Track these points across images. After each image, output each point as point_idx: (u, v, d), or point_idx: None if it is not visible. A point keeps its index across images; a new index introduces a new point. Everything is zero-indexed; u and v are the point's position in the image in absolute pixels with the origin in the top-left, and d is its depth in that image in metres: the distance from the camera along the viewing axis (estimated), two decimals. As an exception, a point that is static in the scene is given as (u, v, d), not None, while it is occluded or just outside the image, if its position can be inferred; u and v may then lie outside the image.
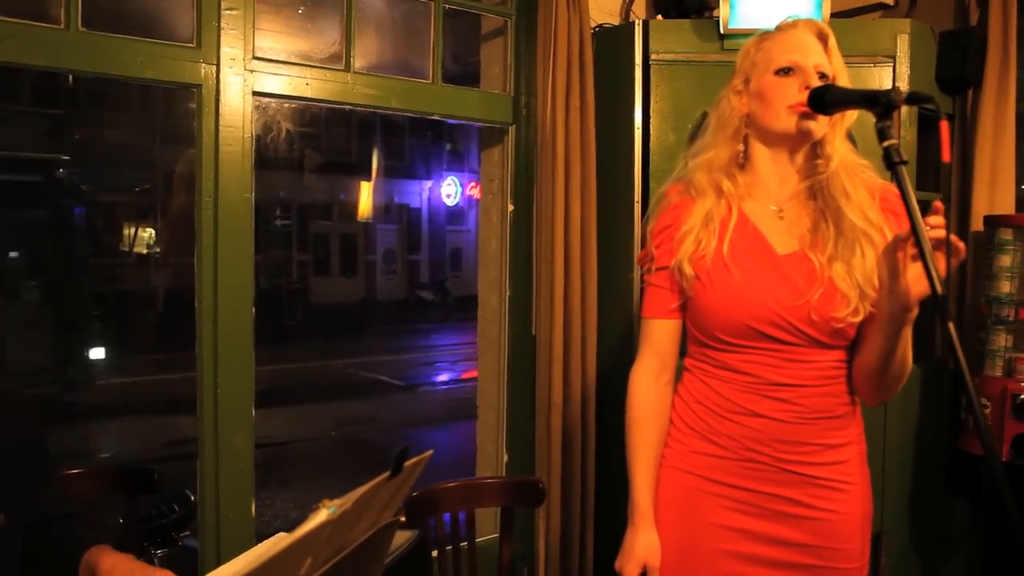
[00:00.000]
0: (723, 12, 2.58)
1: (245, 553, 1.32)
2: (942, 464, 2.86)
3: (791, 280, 1.43)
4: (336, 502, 0.84)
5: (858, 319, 1.39)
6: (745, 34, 2.53)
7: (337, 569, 0.94)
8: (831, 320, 1.40)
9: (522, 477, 2.57)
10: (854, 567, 1.48)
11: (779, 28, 1.50)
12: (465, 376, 10.65)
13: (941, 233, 1.13)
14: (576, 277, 2.68)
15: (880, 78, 2.62)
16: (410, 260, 21.88)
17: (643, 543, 1.51)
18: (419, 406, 9.54)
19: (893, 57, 2.61)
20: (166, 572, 1.27)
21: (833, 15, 2.69)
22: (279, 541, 0.80)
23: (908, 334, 1.30)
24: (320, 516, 0.82)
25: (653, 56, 2.65)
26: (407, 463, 1.00)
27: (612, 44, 2.75)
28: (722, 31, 2.59)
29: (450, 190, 21.97)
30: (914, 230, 1.07)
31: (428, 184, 22.14)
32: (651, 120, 2.65)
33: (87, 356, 10.72)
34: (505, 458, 2.93)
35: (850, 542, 1.47)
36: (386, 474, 0.96)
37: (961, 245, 1.16)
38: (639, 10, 3.04)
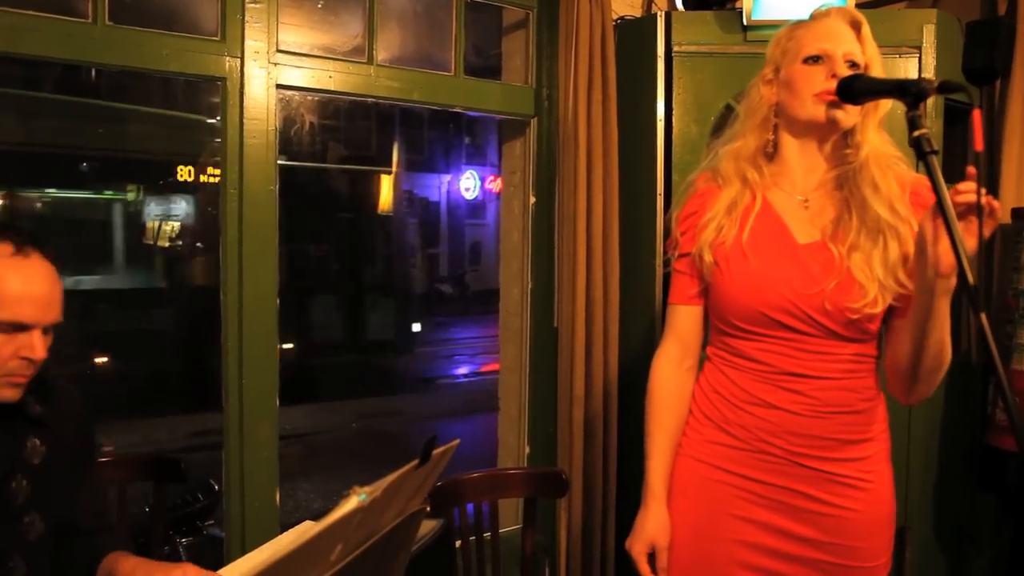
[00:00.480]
0: (746, 3, 2.56)
1: (271, 541, 1.34)
2: (968, 459, 2.84)
3: (807, 269, 1.42)
4: (367, 489, 0.85)
5: (876, 310, 1.37)
6: (769, 25, 2.53)
7: (366, 556, 0.95)
8: (846, 310, 1.38)
9: (545, 468, 2.58)
10: (872, 566, 1.46)
11: (812, 16, 1.49)
12: (484, 369, 10.68)
13: (971, 198, 1.11)
14: (598, 270, 2.67)
15: (905, 69, 2.60)
16: (429, 254, 21.91)
17: (652, 523, 1.53)
18: (439, 399, 9.57)
19: (919, 48, 2.58)
20: (187, 565, 1.28)
21: (858, 5, 2.66)
22: (308, 529, 0.81)
23: (945, 318, 1.27)
24: (351, 503, 0.83)
25: (675, 48, 2.63)
26: (435, 452, 1.01)
27: (634, 36, 2.74)
28: (745, 22, 2.57)
29: (469, 184, 21.95)
30: (945, 221, 1.06)
31: (447, 178, 22.14)
32: (673, 112, 2.64)
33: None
34: (527, 450, 2.93)
35: (867, 540, 1.45)
36: (415, 462, 0.97)
37: (995, 204, 1.13)
38: (661, 1, 3.02)
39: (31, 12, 1.98)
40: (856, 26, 1.45)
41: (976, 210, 1.10)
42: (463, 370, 11.43)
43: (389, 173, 18.81)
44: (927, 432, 2.70)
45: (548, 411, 2.79)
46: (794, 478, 1.44)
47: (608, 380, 2.70)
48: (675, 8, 2.92)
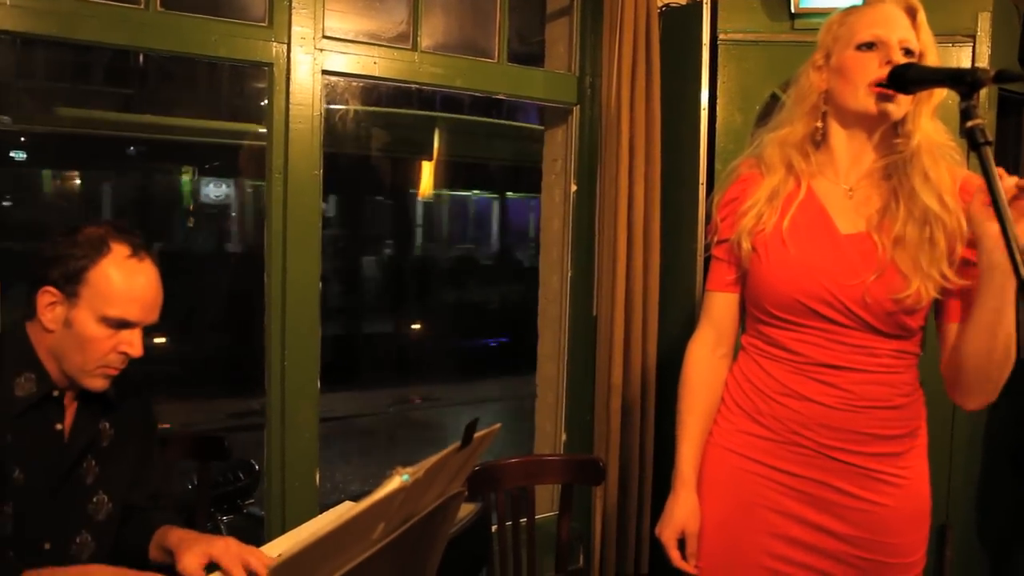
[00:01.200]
0: (796, -10, 2.52)
1: (311, 520, 1.37)
2: (1013, 456, 2.78)
3: (848, 259, 1.40)
4: (409, 470, 0.87)
5: (919, 305, 1.35)
6: (817, 13, 2.49)
7: (407, 535, 0.96)
8: (885, 303, 1.36)
9: (583, 455, 2.58)
10: (904, 563, 1.44)
11: (866, 2, 1.47)
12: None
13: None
14: (638, 258, 2.66)
15: (959, 58, 2.54)
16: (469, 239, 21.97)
17: (682, 509, 1.52)
18: (476, 386, 9.61)
19: (973, 36, 2.52)
20: (229, 539, 1.33)
21: (910, -8, 2.61)
22: (351, 508, 0.83)
23: (1011, 312, 1.24)
24: (394, 483, 0.85)
25: (721, 36, 2.61)
26: (476, 435, 1.02)
27: (679, 23, 2.72)
28: (793, 10, 2.53)
29: (509, 171, 21.96)
30: (998, 214, 1.04)
31: (487, 165, 22.17)
32: (717, 101, 2.61)
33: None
34: (563, 437, 2.94)
35: (900, 537, 1.44)
36: (456, 444, 0.99)
37: None
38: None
39: (86, -2, 2.03)
40: (912, 12, 1.41)
41: None
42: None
43: (430, 160, 18.89)
44: (970, 428, 2.65)
45: (585, 399, 2.79)
46: (825, 471, 1.43)
47: (646, 369, 2.70)
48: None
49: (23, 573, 1.21)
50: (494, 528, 2.08)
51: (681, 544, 1.54)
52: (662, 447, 2.69)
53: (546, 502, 2.86)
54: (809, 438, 1.43)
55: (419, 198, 19.01)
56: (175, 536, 1.39)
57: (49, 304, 1.33)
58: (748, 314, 1.54)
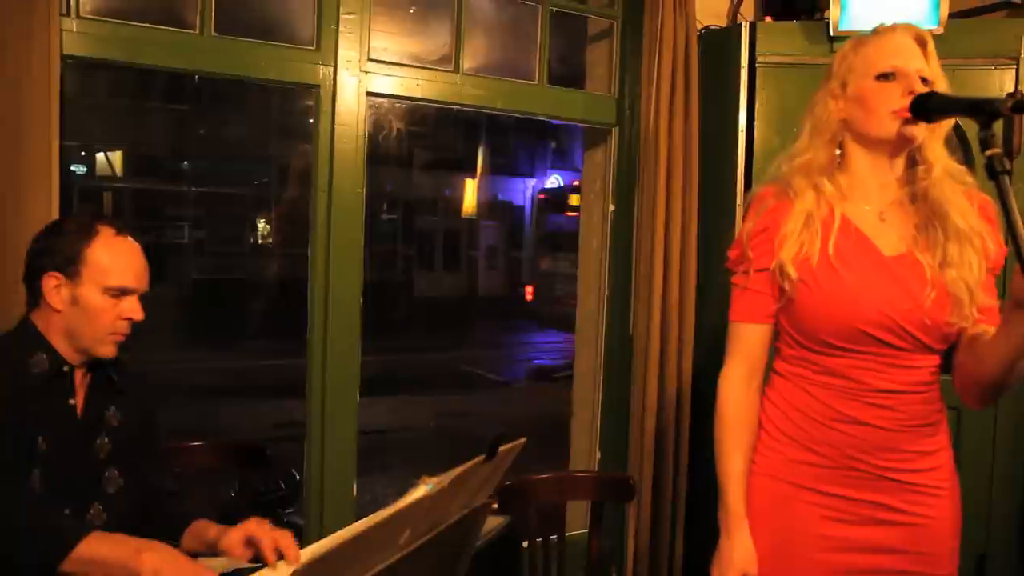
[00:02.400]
0: (833, 13, 2.53)
1: (346, 528, 1.42)
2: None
3: (903, 283, 1.41)
4: (434, 479, 0.91)
5: (967, 324, 1.37)
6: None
7: (433, 543, 1.00)
8: (943, 325, 1.38)
9: (614, 473, 2.60)
10: (946, 573, 1.48)
11: (876, 32, 1.48)
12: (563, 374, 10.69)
13: None
14: (675, 279, 2.68)
15: (1001, 81, 2.52)
16: (512, 257, 22.06)
17: (740, 551, 1.50)
18: (516, 401, 9.64)
19: (1016, 59, 2.51)
20: (264, 520, 1.47)
21: (952, 15, 2.60)
22: (379, 514, 0.87)
23: None
24: (419, 491, 0.89)
25: (759, 58, 2.62)
26: (501, 448, 1.06)
27: (718, 46, 2.75)
28: (832, 33, 2.54)
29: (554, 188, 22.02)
30: (1015, 240, 1.06)
31: (532, 182, 22.25)
32: (755, 123, 2.63)
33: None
34: (598, 456, 2.96)
35: (943, 546, 1.47)
36: (481, 457, 1.02)
37: None
38: (747, 11, 3.01)
39: (148, 25, 2.14)
40: (922, 42, 1.44)
41: None
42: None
43: (473, 177, 19.05)
44: (1009, 459, 2.61)
45: (620, 418, 2.81)
46: (880, 491, 1.44)
47: (681, 390, 2.71)
48: (762, 19, 2.91)
49: (93, 531, 1.33)
50: (525, 544, 2.11)
51: None
52: (696, 467, 2.70)
53: (579, 519, 2.88)
54: (865, 461, 1.44)
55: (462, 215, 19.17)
56: (215, 529, 1.53)
57: (55, 287, 1.48)
58: (787, 342, 1.52)
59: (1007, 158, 1.07)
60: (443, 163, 19.14)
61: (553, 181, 21.95)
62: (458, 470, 0.97)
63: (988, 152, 1.09)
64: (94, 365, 1.56)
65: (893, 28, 1.46)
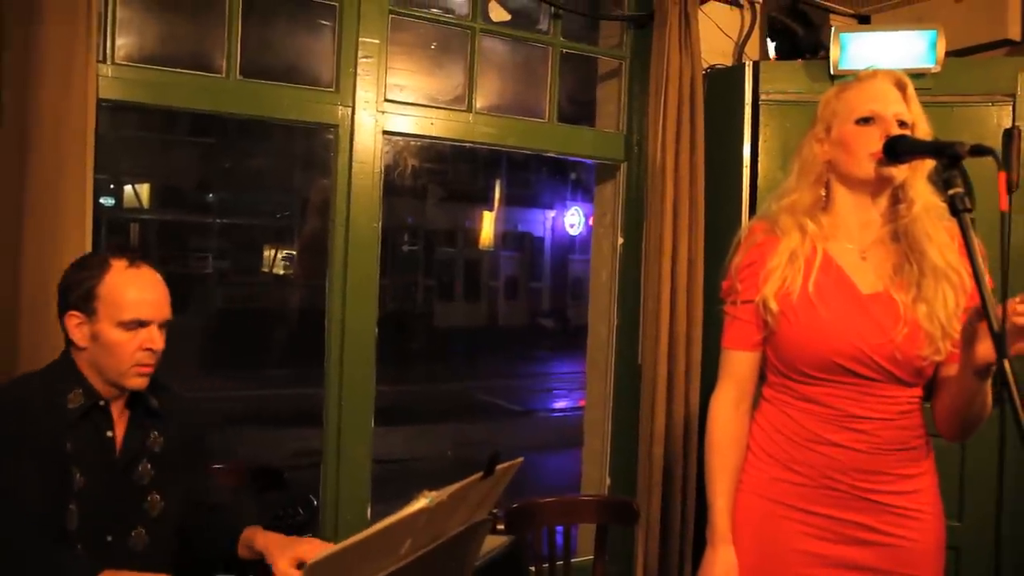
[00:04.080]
0: (834, 53, 2.62)
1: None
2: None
3: (876, 319, 1.49)
4: (433, 493, 0.99)
5: (940, 358, 1.44)
6: (855, 75, 2.57)
7: (433, 556, 1.08)
8: (914, 359, 1.46)
9: (617, 497, 2.66)
10: None
11: (859, 78, 1.57)
12: (581, 404, 10.68)
13: (1021, 320, 1.18)
14: (682, 309, 2.75)
15: (999, 117, 2.60)
16: (532, 288, 22.15)
17: (722, 564, 1.59)
18: (534, 431, 9.66)
19: (1013, 96, 2.58)
20: (314, 540, 1.55)
21: (950, 53, 2.68)
22: (381, 523, 0.95)
23: (987, 384, 1.36)
24: (419, 503, 0.96)
25: (763, 96, 2.72)
26: (499, 466, 1.13)
27: (723, 84, 2.84)
28: (832, 72, 2.63)
29: (574, 220, 22.14)
30: (975, 274, 1.13)
31: (552, 213, 22.40)
32: (759, 158, 2.71)
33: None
34: (608, 482, 3.01)
35: (923, 569, 1.53)
36: (479, 474, 1.10)
37: None
38: (752, 51, 3.11)
39: (176, 70, 2.27)
40: (902, 87, 1.52)
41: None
42: (561, 404, 11.49)
43: (490, 210, 19.22)
44: (1017, 495, 2.62)
45: (630, 446, 2.87)
46: (856, 511, 1.51)
47: (689, 417, 2.77)
48: (767, 58, 3.01)
49: (104, 572, 1.37)
50: (532, 569, 2.16)
51: None
52: (704, 493, 2.74)
53: (589, 546, 2.93)
54: (842, 481, 1.51)
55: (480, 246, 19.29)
56: (262, 539, 1.58)
57: (76, 325, 1.53)
58: (771, 369, 1.61)
59: (968, 197, 1.14)
60: (462, 196, 19.36)
61: (573, 212, 22.08)
62: (457, 485, 1.05)
63: (951, 191, 1.17)
64: (135, 396, 1.60)
65: (874, 74, 1.55)
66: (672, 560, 2.75)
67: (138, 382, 1.55)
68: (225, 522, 1.68)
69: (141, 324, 1.53)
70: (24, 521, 1.40)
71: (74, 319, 1.53)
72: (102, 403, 1.55)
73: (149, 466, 1.59)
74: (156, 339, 1.55)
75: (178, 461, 1.65)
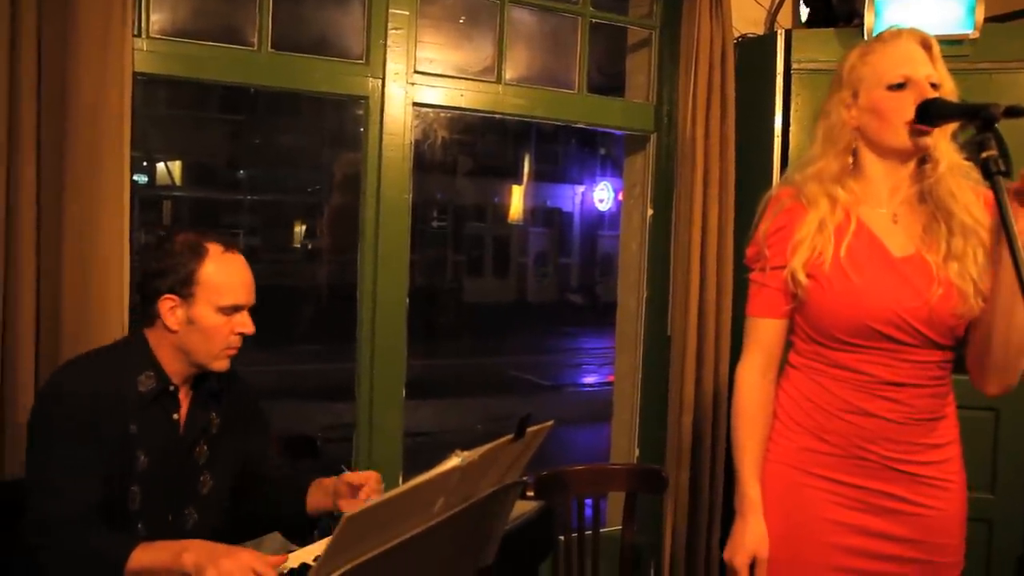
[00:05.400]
0: (868, 20, 2.58)
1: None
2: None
3: (910, 282, 1.47)
4: (466, 453, 1.01)
5: (974, 314, 1.43)
6: (890, 42, 2.53)
7: (466, 515, 1.10)
8: (948, 318, 1.45)
9: (646, 465, 2.68)
10: (952, 562, 1.53)
11: (882, 39, 1.52)
12: (610, 379, 10.69)
13: None
14: (712, 281, 2.75)
15: (1037, 84, 2.54)
16: (561, 264, 22.15)
17: (753, 534, 1.57)
18: (563, 406, 9.70)
19: (1053, 62, 2.52)
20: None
21: (989, 19, 2.62)
22: (415, 480, 0.98)
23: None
24: (452, 462, 0.99)
25: (795, 65, 2.68)
26: (529, 429, 1.15)
27: (755, 53, 2.81)
28: (867, 39, 2.58)
29: (603, 195, 22.06)
30: (1009, 240, 1.12)
31: (581, 189, 22.33)
32: (790, 128, 2.69)
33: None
34: (637, 453, 3.03)
35: (950, 537, 1.53)
36: (510, 436, 1.12)
37: None
38: (785, 19, 3.07)
39: (210, 43, 2.30)
40: (927, 46, 1.48)
41: None
42: (590, 379, 11.52)
43: (520, 184, 19.18)
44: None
45: (659, 417, 2.88)
46: (886, 481, 1.50)
47: (718, 388, 2.77)
48: (800, 27, 2.96)
49: (139, 544, 1.40)
50: (561, 538, 2.18)
51: (751, 568, 1.59)
52: (732, 464, 2.75)
53: (618, 516, 2.95)
54: (873, 451, 1.50)
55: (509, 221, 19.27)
56: (329, 482, 1.67)
57: (171, 308, 1.53)
58: (801, 336, 1.59)
59: (1003, 159, 1.13)
60: (491, 170, 19.35)
61: (603, 188, 21.98)
62: (489, 446, 1.07)
63: (984, 154, 1.15)
64: (199, 378, 1.62)
65: (899, 34, 1.50)
66: (700, 529, 2.77)
67: (224, 364, 1.59)
68: (292, 484, 1.73)
69: (237, 308, 1.56)
70: (72, 503, 1.42)
71: (169, 302, 1.53)
72: (172, 388, 1.57)
73: (205, 447, 1.63)
74: (248, 324, 1.58)
75: (229, 440, 1.68)
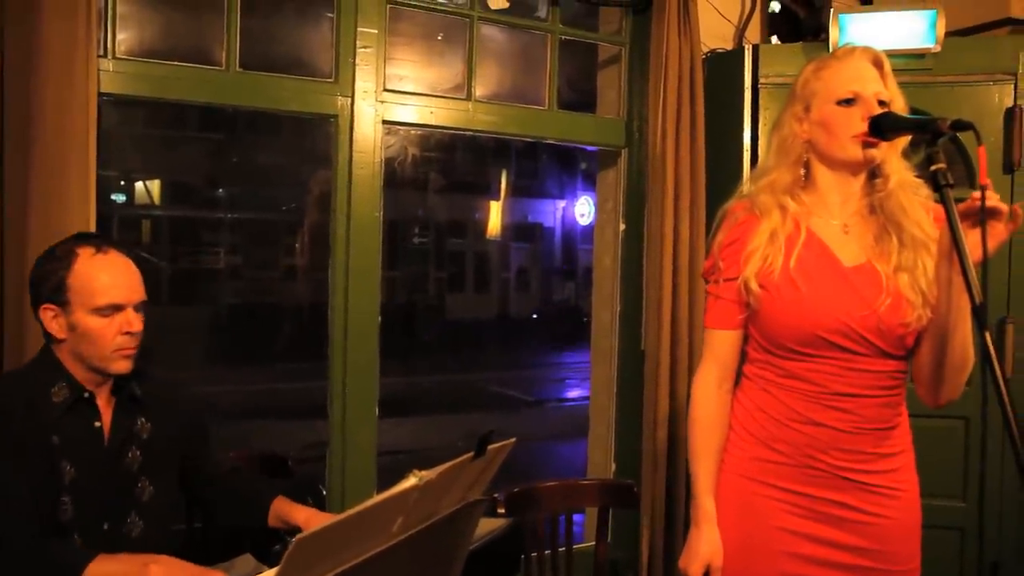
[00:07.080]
0: (833, 35, 2.62)
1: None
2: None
3: (859, 292, 1.50)
4: (424, 472, 1.00)
5: (922, 324, 1.46)
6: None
7: (426, 534, 1.09)
8: (897, 328, 1.47)
9: (617, 480, 2.68)
10: (904, 570, 1.55)
11: (835, 56, 1.56)
12: (592, 394, 10.69)
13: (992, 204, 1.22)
14: (684, 294, 2.76)
15: (1000, 96, 2.59)
16: (543, 278, 22.16)
17: (707, 543, 1.59)
18: (546, 421, 9.69)
19: (1014, 74, 2.57)
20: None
21: (953, 32, 2.67)
22: (371, 500, 0.97)
23: (966, 316, 1.37)
24: (408, 481, 0.98)
25: (762, 80, 2.71)
26: (491, 447, 1.15)
27: (723, 68, 2.84)
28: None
29: (584, 209, 22.12)
30: (958, 250, 1.13)
31: (562, 204, 22.40)
32: (759, 142, 2.71)
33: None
34: (613, 467, 3.03)
35: (900, 545, 1.54)
36: (470, 454, 1.12)
37: (1016, 208, 1.23)
38: (753, 35, 3.10)
39: (176, 63, 2.29)
40: (879, 65, 1.52)
41: (996, 213, 1.22)
42: (573, 393, 11.52)
43: (497, 200, 19.22)
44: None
45: (634, 430, 2.88)
46: (836, 490, 1.52)
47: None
48: (767, 41, 3.00)
49: (98, 555, 1.39)
50: (534, 555, 2.17)
51: None
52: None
53: (593, 532, 2.95)
54: (823, 460, 1.52)
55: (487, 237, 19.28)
56: (301, 514, 1.66)
57: (52, 318, 1.53)
58: (754, 347, 1.61)
59: (949, 173, 1.15)
60: (470, 187, 19.37)
61: (583, 202, 22.06)
62: (447, 465, 1.06)
63: (933, 167, 1.18)
64: (118, 385, 1.61)
65: (852, 51, 1.54)
66: (677, 543, 2.76)
67: (122, 365, 1.56)
68: (254, 492, 1.74)
69: (116, 308, 1.54)
70: (13, 518, 1.42)
71: (49, 312, 1.53)
72: (87, 395, 1.56)
73: (138, 453, 1.61)
74: (134, 321, 1.56)
75: (166, 447, 1.68)
